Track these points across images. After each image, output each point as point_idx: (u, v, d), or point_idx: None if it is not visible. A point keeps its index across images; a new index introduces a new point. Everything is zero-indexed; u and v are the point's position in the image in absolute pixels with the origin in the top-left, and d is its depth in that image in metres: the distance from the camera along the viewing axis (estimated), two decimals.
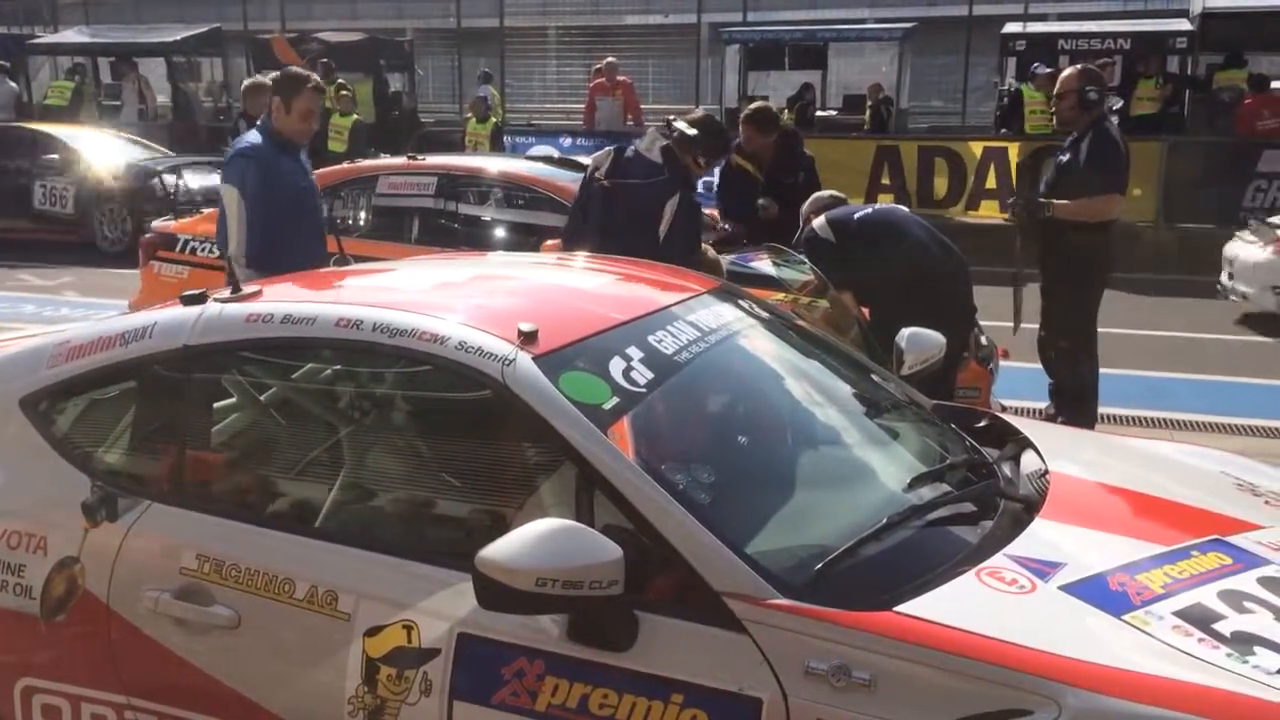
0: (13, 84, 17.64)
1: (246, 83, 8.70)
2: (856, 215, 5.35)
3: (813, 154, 7.61)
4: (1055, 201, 5.63)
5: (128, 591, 2.44)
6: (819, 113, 17.05)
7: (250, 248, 4.64)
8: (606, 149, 4.98)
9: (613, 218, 4.62)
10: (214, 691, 2.36)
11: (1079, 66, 6.00)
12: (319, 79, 5.15)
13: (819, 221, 5.26)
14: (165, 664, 2.40)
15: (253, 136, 4.89)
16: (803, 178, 7.13)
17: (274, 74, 5.54)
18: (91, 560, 2.48)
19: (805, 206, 5.59)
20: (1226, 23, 14.28)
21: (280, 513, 2.55)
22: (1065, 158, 5.73)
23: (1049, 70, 13.11)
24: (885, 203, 5.73)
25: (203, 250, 6.50)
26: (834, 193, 5.76)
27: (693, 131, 4.74)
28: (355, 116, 13.31)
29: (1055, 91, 5.90)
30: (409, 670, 2.18)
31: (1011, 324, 6.05)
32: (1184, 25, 14.39)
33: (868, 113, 16.10)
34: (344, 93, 13.31)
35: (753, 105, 7.11)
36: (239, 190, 4.69)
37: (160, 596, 2.40)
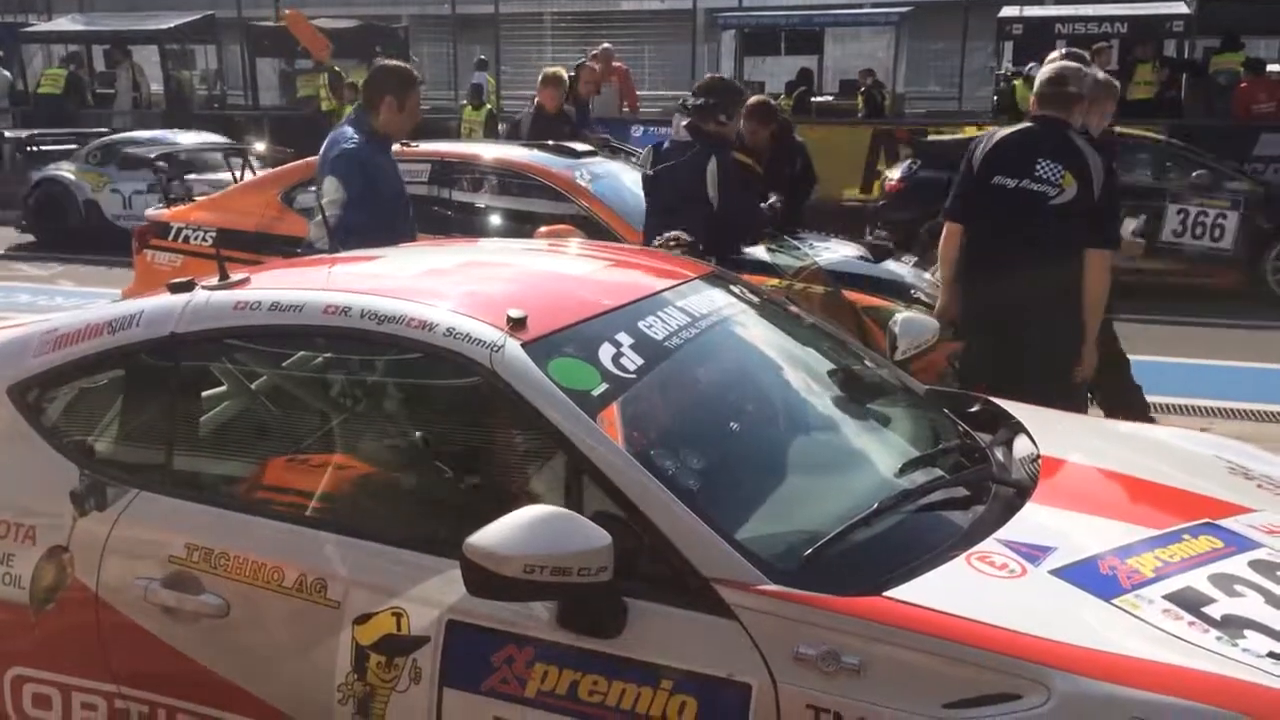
0: (6, 73, 17.59)
1: (548, 72, 8.52)
2: None
3: (804, 140, 7.62)
4: None
5: (117, 580, 2.43)
6: (813, 98, 17.00)
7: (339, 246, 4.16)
8: (647, 148, 5.53)
9: (666, 200, 5.13)
10: (204, 680, 2.35)
11: (1060, 52, 5.98)
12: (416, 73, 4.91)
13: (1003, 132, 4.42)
14: (155, 653, 2.39)
15: (352, 133, 4.52)
16: (799, 165, 7.13)
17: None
18: (80, 549, 2.47)
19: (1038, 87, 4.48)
20: (1223, 6, 14.24)
21: (269, 500, 2.54)
22: None
23: None
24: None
25: (195, 238, 6.48)
26: (1064, 68, 4.46)
27: (701, 100, 5.19)
28: (349, 106, 13.25)
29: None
30: (398, 658, 2.18)
31: None
32: (1181, 8, 14.33)
33: (860, 99, 16.05)
34: (345, 81, 13.26)
35: (753, 99, 7.10)
36: (342, 183, 4.35)
37: (149, 585, 2.39)
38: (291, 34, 15.36)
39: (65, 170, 12.84)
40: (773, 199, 6.76)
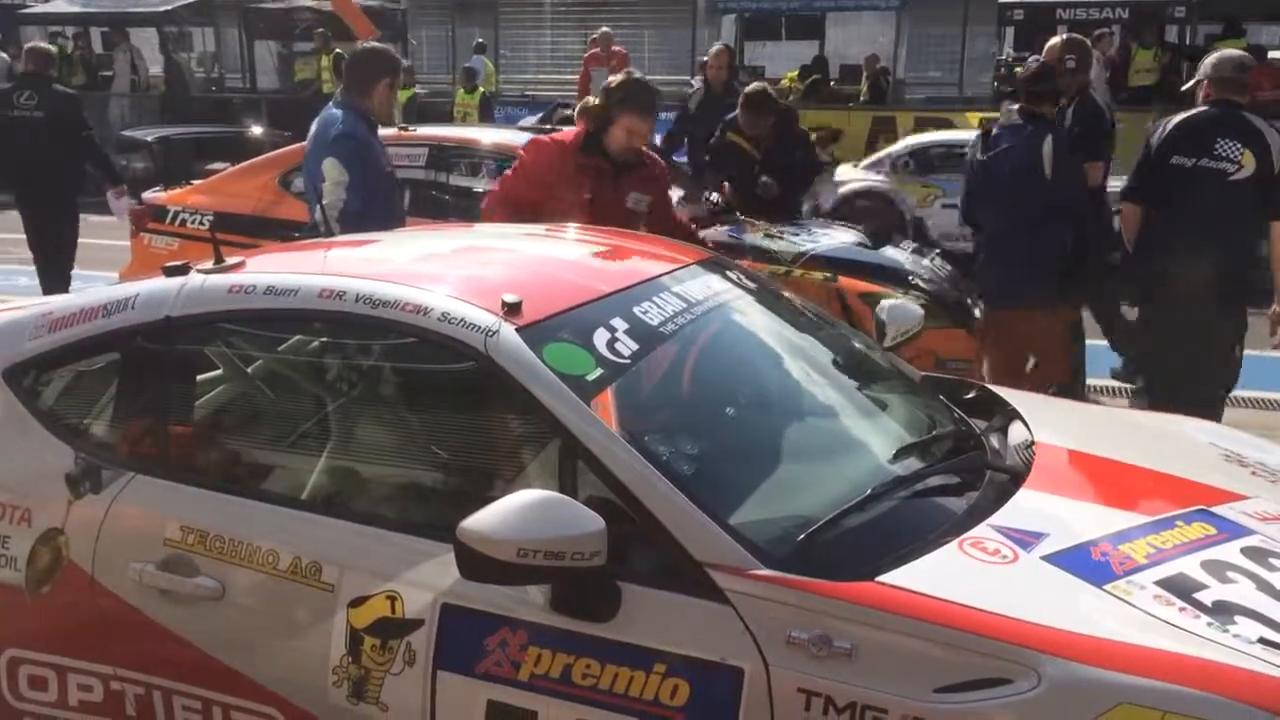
0: (3, 55, 17.52)
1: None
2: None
3: (808, 130, 7.62)
4: None
5: (112, 563, 2.44)
6: (830, 84, 16.97)
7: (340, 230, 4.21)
8: (976, 136, 5.52)
9: (1001, 180, 5.15)
10: (199, 662, 2.36)
11: (1062, 37, 6.00)
12: None
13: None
14: (151, 635, 2.40)
15: (345, 116, 4.49)
16: (800, 155, 7.12)
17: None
18: (76, 532, 2.48)
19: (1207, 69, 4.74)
20: None
21: (264, 484, 2.55)
22: None
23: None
24: None
25: (192, 221, 6.47)
26: (1244, 56, 4.87)
27: (1039, 86, 5.25)
28: None
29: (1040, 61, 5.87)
30: (393, 641, 2.19)
31: None
32: None
33: (865, 85, 16.03)
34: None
35: (749, 88, 7.07)
36: (344, 166, 4.34)
37: (145, 568, 2.40)
38: (337, 13, 15.20)
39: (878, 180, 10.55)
40: (764, 180, 6.75)
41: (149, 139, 12.18)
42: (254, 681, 2.32)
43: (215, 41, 20.12)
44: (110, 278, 6.52)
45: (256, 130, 10.25)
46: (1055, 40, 5.89)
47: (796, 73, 16.78)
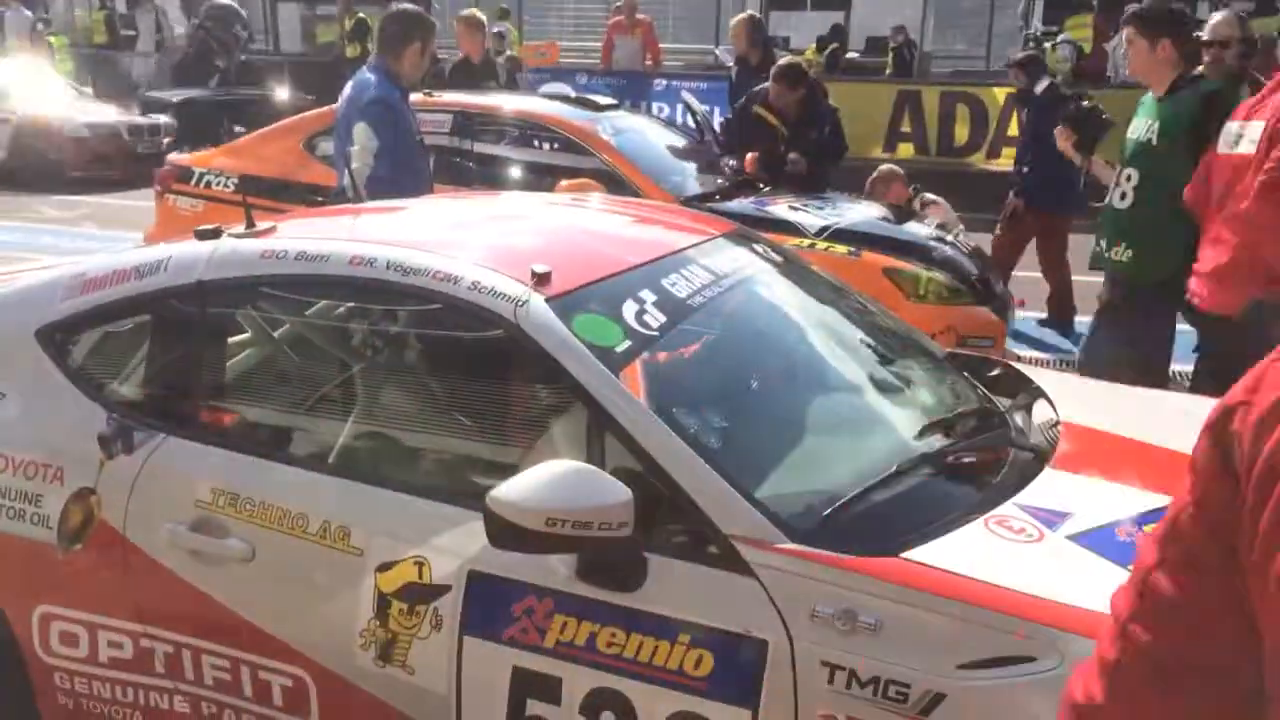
0: (28, 12, 17.53)
1: (463, 14, 7.85)
2: None
3: (837, 105, 7.52)
4: None
5: (143, 523, 2.47)
6: (847, 54, 16.77)
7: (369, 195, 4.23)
8: None
9: None
10: (228, 622, 2.40)
11: (1227, 12, 5.81)
12: None
13: None
14: (180, 594, 2.43)
15: (377, 80, 4.47)
16: (827, 131, 7.06)
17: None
18: (108, 491, 2.51)
19: None
20: None
21: (294, 448, 2.57)
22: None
23: (1073, 45, 13.13)
24: None
25: (217, 184, 6.49)
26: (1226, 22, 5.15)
27: None
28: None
29: (1216, 38, 5.51)
30: (420, 605, 2.21)
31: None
32: None
33: (890, 56, 15.86)
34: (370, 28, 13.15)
35: (783, 61, 7.01)
36: (374, 131, 4.32)
37: (175, 529, 2.43)
38: None
39: None
40: (792, 157, 6.71)
41: (174, 100, 12.18)
42: (282, 642, 2.35)
43: (239, 3, 20.03)
44: (135, 238, 6.56)
45: (282, 94, 10.23)
46: (1218, 17, 5.66)
47: (815, 45, 16.60)
